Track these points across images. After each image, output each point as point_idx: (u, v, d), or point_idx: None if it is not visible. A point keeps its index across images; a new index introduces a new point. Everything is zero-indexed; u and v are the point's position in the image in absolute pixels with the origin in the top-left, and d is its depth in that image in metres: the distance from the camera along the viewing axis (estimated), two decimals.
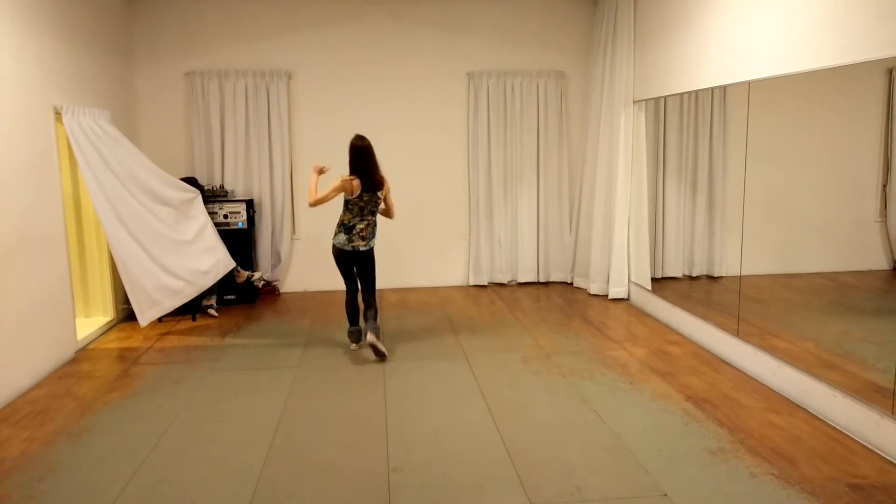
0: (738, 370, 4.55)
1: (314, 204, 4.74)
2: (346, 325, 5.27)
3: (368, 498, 3.01)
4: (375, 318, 4.97)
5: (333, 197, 4.78)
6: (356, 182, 4.76)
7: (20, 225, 4.45)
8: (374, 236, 4.97)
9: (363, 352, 5.06)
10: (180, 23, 6.70)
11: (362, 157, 4.77)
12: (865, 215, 4.69)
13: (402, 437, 3.60)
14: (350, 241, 4.87)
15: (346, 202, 4.85)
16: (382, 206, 4.98)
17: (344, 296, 5.32)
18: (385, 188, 4.90)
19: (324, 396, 4.21)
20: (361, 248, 4.90)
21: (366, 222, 4.89)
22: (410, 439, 3.58)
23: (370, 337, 4.81)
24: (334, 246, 4.93)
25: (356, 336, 5.14)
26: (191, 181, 6.21)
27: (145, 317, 5.26)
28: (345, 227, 4.89)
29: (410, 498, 3.00)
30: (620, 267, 6.51)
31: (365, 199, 4.82)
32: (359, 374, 4.61)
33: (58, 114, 4.93)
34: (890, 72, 4.05)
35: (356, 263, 4.97)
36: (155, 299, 5.33)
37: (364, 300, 5.07)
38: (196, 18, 6.71)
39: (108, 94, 5.95)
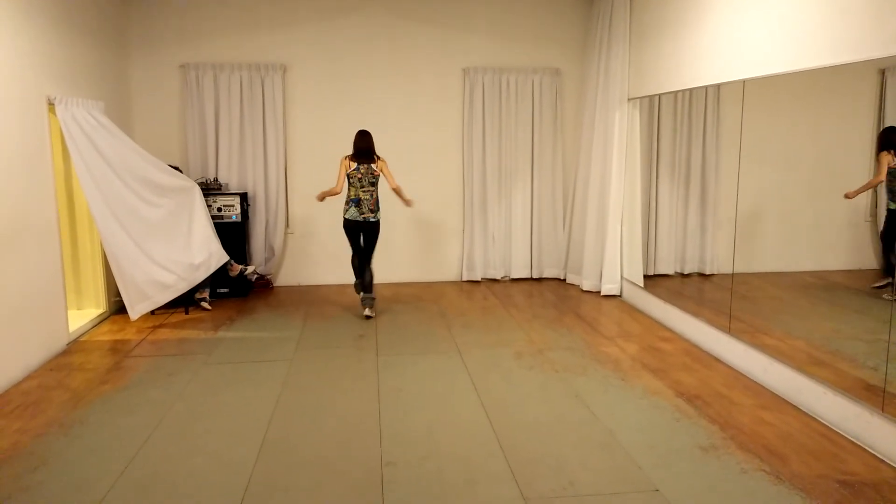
0: (729, 367, 4.58)
1: (339, 187, 5.59)
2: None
3: (362, 491, 3.02)
4: (371, 289, 5.83)
5: (344, 174, 5.60)
6: (351, 156, 5.62)
7: (12, 216, 4.42)
8: (379, 209, 5.73)
9: (357, 344, 5.07)
10: (175, 14, 6.66)
11: (357, 136, 5.65)
12: (856, 214, 4.72)
13: (395, 432, 3.61)
14: (361, 213, 5.62)
15: (349, 178, 5.60)
16: (394, 185, 5.72)
17: (350, 261, 6.07)
18: (379, 163, 5.64)
19: (317, 390, 4.22)
20: (371, 220, 5.66)
21: (368, 194, 5.62)
22: (404, 434, 3.59)
23: (366, 311, 5.80)
24: (346, 219, 5.69)
25: (362, 286, 5.91)
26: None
27: (135, 310, 5.25)
28: (353, 201, 5.62)
29: (403, 492, 3.02)
30: (613, 264, 6.54)
31: (362, 171, 5.57)
32: (352, 368, 4.61)
33: (51, 104, 4.90)
34: (882, 72, 4.07)
35: (364, 232, 5.73)
36: (145, 293, 5.31)
37: (361, 265, 5.84)
38: (191, 10, 6.67)
39: (102, 85, 5.91)
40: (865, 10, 3.40)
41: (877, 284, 4.13)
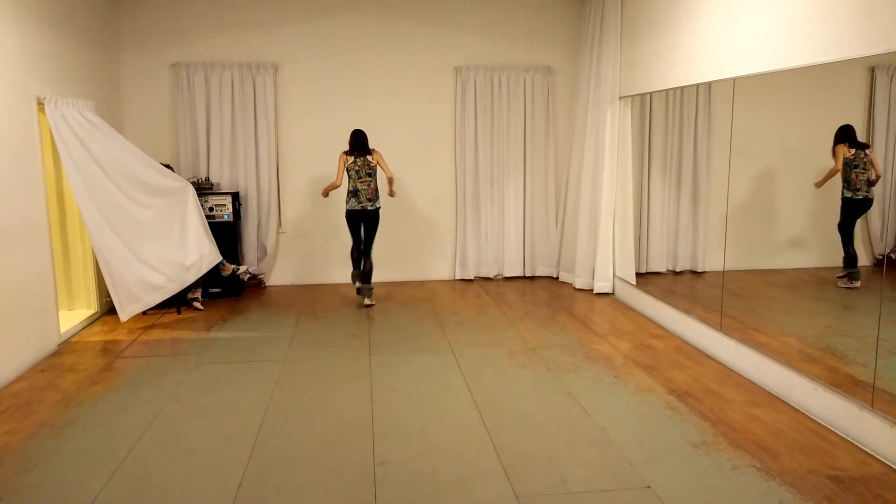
0: (720, 364, 4.60)
1: (339, 180, 5.92)
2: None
3: (354, 490, 3.02)
4: (370, 279, 6.18)
5: (343, 168, 5.92)
6: (347, 151, 5.97)
7: (2, 217, 4.39)
8: (378, 198, 6.03)
9: (350, 343, 5.07)
10: (166, 13, 6.63)
11: (352, 134, 6.02)
12: None
13: (388, 431, 3.61)
14: (360, 202, 5.94)
15: (347, 171, 5.92)
16: (390, 174, 6.01)
17: (350, 250, 6.28)
18: (375, 155, 5.99)
19: (310, 389, 4.21)
20: (370, 208, 5.98)
21: (366, 184, 5.94)
22: (397, 432, 3.59)
23: (366, 301, 6.17)
24: (347, 210, 6.01)
25: (358, 276, 6.17)
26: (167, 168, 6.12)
27: (125, 312, 5.22)
28: (352, 192, 5.94)
29: (396, 491, 3.02)
30: (605, 262, 6.55)
31: (359, 163, 5.89)
32: (345, 367, 4.61)
33: (40, 104, 4.87)
34: (872, 70, 4.10)
35: (365, 221, 6.04)
36: (136, 294, 5.28)
37: (363, 255, 6.15)
38: (182, 9, 6.64)
39: (92, 84, 5.88)
40: (855, 8, 3.42)
41: (839, 275, 4.38)
